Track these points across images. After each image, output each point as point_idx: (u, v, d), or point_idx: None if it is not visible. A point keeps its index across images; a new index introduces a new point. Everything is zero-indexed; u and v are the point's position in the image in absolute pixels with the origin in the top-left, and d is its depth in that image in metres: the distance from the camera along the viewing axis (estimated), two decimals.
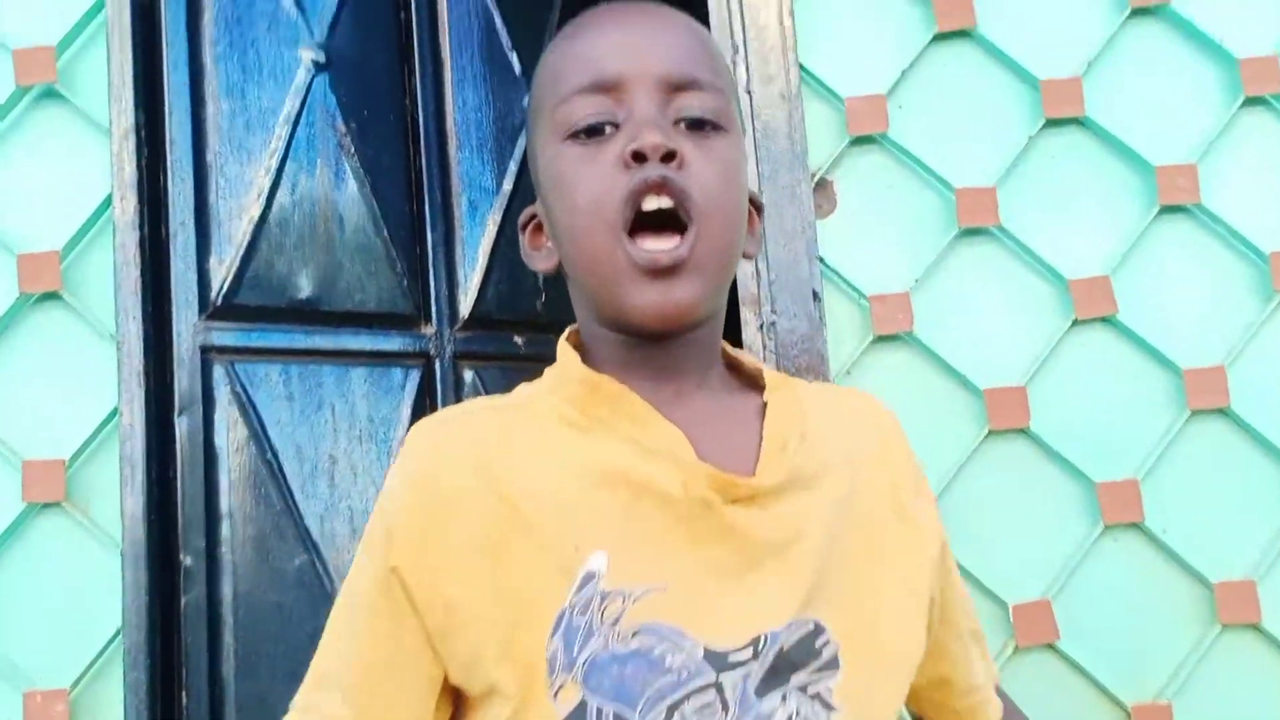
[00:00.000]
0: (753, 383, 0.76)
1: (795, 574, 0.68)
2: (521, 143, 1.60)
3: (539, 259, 0.77)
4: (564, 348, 0.75)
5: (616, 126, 0.69)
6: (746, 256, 0.76)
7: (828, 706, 0.67)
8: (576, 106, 0.70)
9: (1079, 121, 1.33)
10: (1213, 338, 1.31)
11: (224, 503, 1.30)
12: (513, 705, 0.66)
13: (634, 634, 0.64)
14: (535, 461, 0.69)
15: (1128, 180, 1.32)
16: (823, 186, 1.32)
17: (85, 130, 1.30)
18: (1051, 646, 1.25)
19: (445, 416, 0.77)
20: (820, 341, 1.29)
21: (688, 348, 0.73)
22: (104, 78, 1.29)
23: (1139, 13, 1.33)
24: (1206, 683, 1.25)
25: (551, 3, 1.66)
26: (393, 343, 1.46)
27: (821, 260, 1.30)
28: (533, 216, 0.77)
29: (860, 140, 1.32)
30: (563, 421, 0.70)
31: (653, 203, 0.67)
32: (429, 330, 1.49)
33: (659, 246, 0.67)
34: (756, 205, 0.77)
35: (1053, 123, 1.32)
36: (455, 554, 0.67)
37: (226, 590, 1.28)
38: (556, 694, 0.64)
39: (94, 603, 1.23)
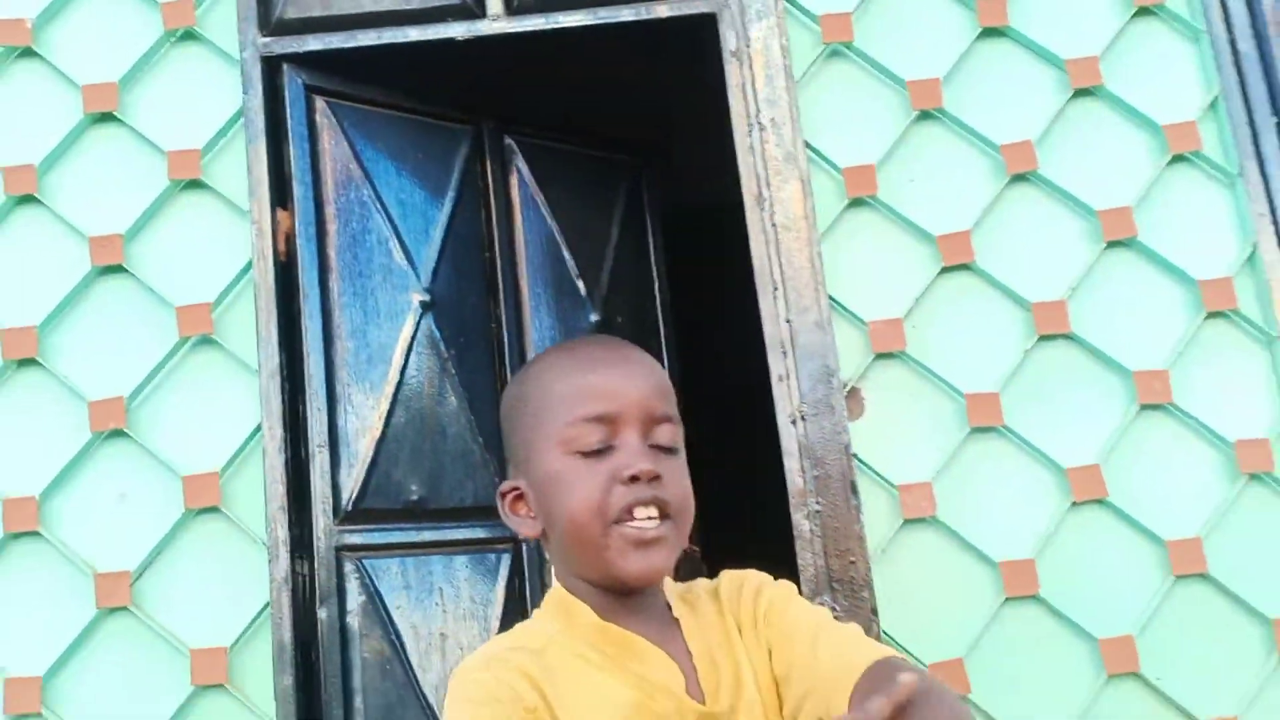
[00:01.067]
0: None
1: None
2: None
3: (524, 526, 0.94)
4: (566, 597, 0.93)
5: (611, 448, 0.90)
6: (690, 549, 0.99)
7: None
8: (585, 432, 0.90)
9: (1067, 337, 1.55)
10: (1189, 514, 1.51)
11: (357, 678, 1.47)
12: None
13: None
14: (567, 696, 0.87)
15: (1111, 383, 1.54)
16: (853, 394, 1.54)
17: (237, 370, 1.52)
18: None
19: (493, 655, 0.91)
20: (858, 525, 1.49)
21: (651, 593, 0.93)
22: (251, 327, 1.51)
23: (1114, 245, 1.57)
24: None
25: (609, 237, 1.89)
26: (487, 531, 1.64)
27: (856, 457, 1.52)
28: (513, 488, 0.94)
29: (883, 355, 1.54)
30: (581, 660, 0.89)
31: (643, 512, 0.88)
32: None
33: (647, 525, 0.88)
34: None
35: (1044, 338, 1.54)
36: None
37: None
38: None
39: None
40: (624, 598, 0.92)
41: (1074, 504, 1.50)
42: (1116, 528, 1.51)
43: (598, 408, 0.91)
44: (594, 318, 1.83)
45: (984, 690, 1.45)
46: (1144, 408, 1.53)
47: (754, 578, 0.99)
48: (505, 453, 0.99)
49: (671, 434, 0.92)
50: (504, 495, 0.96)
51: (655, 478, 0.89)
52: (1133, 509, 1.51)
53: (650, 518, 0.89)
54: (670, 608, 0.97)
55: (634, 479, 0.88)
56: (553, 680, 0.88)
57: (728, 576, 1.00)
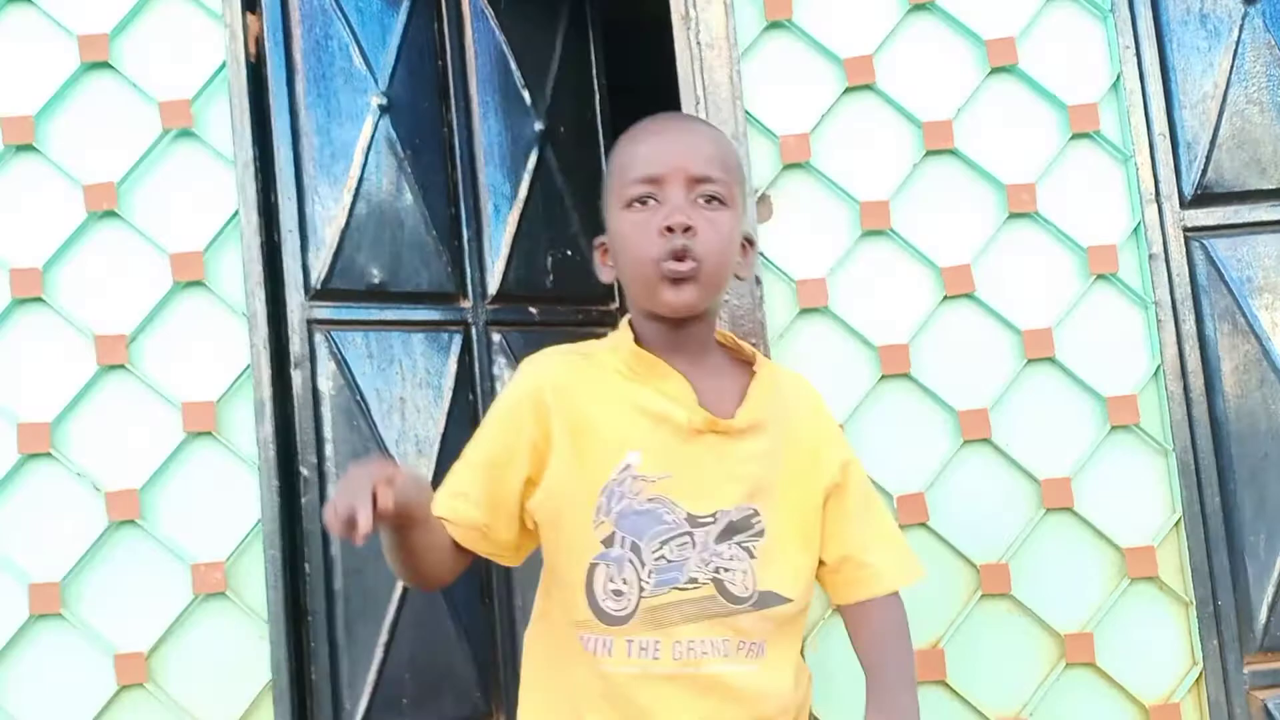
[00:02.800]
0: (746, 363, 1.21)
1: (744, 480, 1.14)
2: (533, 157, 1.99)
3: (605, 273, 1.20)
4: (624, 327, 1.18)
5: (658, 202, 1.12)
6: (739, 278, 1.21)
7: (750, 555, 1.14)
8: (634, 189, 1.13)
9: (951, 152, 1.74)
10: (1045, 307, 1.73)
11: (328, 431, 1.70)
12: (567, 531, 1.12)
13: (649, 500, 1.11)
14: (598, 394, 1.15)
15: (986, 195, 1.75)
16: (764, 200, 1.75)
17: (215, 161, 1.69)
18: (924, 525, 1.67)
19: (544, 357, 1.20)
20: (760, 313, 1.71)
21: (692, 330, 1.17)
22: (227, 122, 1.67)
23: (996, 71, 1.76)
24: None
25: (554, 50, 2.02)
26: (441, 314, 1.84)
27: (762, 254, 1.73)
28: (601, 244, 1.20)
29: (790, 166, 1.74)
30: (616, 373, 1.16)
31: (673, 266, 1.11)
32: (466, 304, 1.88)
33: (679, 267, 1.11)
34: (750, 241, 1.21)
35: (931, 153, 1.74)
36: (564, 420, 1.13)
37: (331, 493, 1.63)
38: (597, 527, 1.11)
39: (238, 503, 1.64)
40: (674, 333, 1.15)
41: (946, 297, 1.73)
42: (981, 318, 1.73)
43: (644, 170, 1.13)
44: (538, 125, 1.98)
45: (860, 452, 1.67)
46: (1012, 215, 1.74)
47: (839, 432, 1.25)
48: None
49: (716, 190, 1.14)
50: (596, 248, 1.22)
51: (687, 229, 1.11)
52: (996, 302, 1.73)
53: (680, 264, 1.11)
54: (750, 367, 1.20)
55: (669, 230, 1.10)
56: (581, 382, 1.15)
57: (819, 397, 1.26)
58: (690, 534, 1.12)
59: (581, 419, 1.14)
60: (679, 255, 1.11)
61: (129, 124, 1.68)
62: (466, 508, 1.13)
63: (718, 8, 1.72)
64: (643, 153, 1.15)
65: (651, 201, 1.13)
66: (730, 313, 1.72)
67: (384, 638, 1.73)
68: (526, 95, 1.98)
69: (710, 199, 1.14)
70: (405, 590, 1.72)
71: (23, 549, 1.62)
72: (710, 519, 1.13)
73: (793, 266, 1.73)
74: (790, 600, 1.15)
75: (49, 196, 1.68)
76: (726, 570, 1.13)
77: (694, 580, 1.11)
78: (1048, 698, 1.67)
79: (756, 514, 1.15)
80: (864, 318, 1.73)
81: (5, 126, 1.68)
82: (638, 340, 1.18)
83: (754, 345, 1.69)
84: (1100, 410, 1.72)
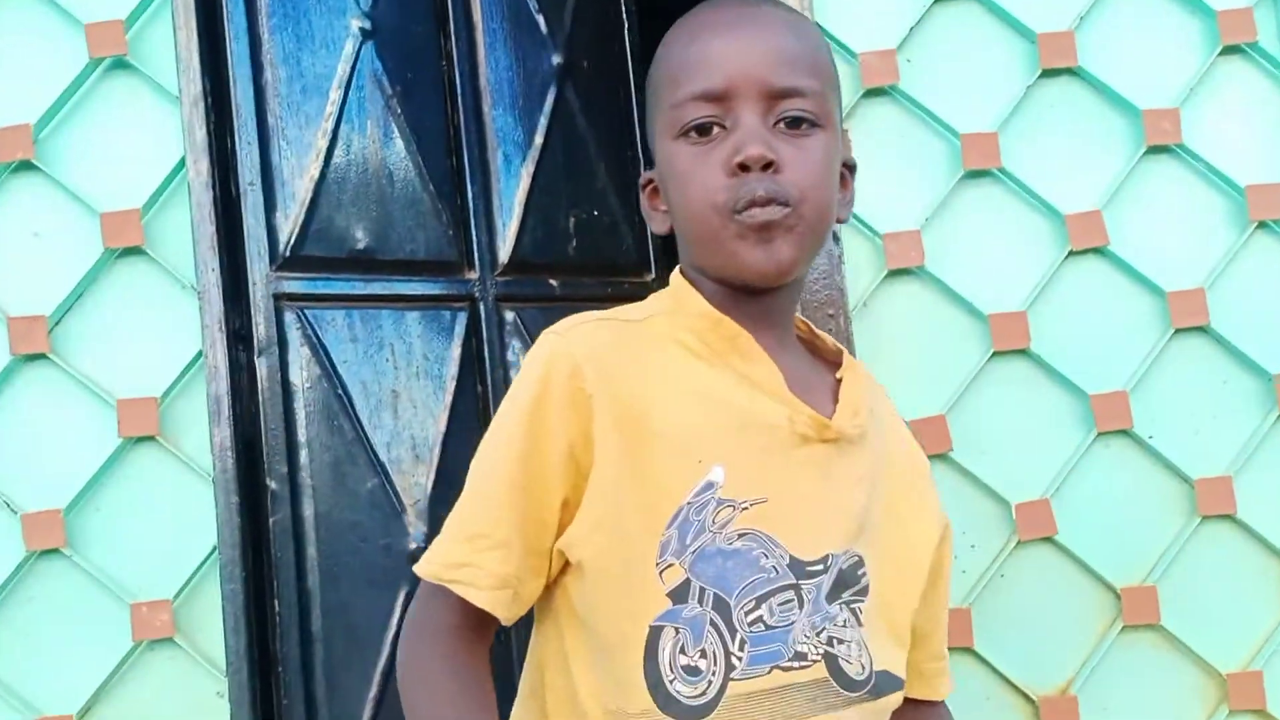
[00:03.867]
0: (827, 358, 0.91)
1: (853, 510, 0.83)
2: (550, 97, 1.73)
3: (657, 220, 0.89)
4: (683, 283, 0.87)
5: (724, 128, 0.81)
6: (839, 221, 0.89)
7: (858, 621, 0.82)
8: (689, 110, 0.82)
9: (1072, 71, 1.46)
10: (1194, 264, 1.46)
11: (302, 433, 1.44)
12: (616, 577, 0.79)
13: (739, 535, 0.79)
14: (658, 378, 0.82)
15: (1117, 124, 1.46)
16: (841, 134, 1.45)
17: (156, 98, 1.42)
18: (1050, 539, 1.41)
19: (576, 324, 0.87)
20: (839, 276, 1.43)
21: (776, 302, 0.86)
22: (171, 49, 1.40)
23: None
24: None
25: None
26: (441, 288, 1.59)
27: None
28: (649, 181, 0.90)
29: (873, 92, 1.46)
30: (681, 346, 0.83)
31: (757, 214, 0.79)
32: (472, 275, 1.63)
33: (767, 214, 0.79)
34: (850, 167, 0.89)
35: (1048, 73, 1.46)
36: (611, 413, 0.79)
37: (308, 510, 1.43)
38: (662, 572, 0.78)
39: (189, 525, 1.37)
40: (753, 304, 0.85)
41: (1072, 252, 1.44)
42: (1116, 278, 1.45)
43: (702, 83, 0.82)
44: (556, 59, 1.74)
45: (964, 448, 1.42)
46: (1150, 149, 1.45)
47: (932, 477, 0.97)
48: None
49: (804, 107, 0.81)
50: (643, 188, 0.91)
51: (768, 164, 0.79)
52: (1134, 258, 1.45)
53: (767, 209, 0.79)
54: (834, 363, 0.90)
55: (743, 168, 0.80)
56: (630, 360, 0.82)
57: (915, 443, 0.97)
58: (796, 587, 0.80)
59: (638, 414, 0.80)
60: (761, 202, 0.79)
61: (49, 53, 1.42)
62: (493, 557, 0.80)
63: None
64: (699, 56, 0.84)
65: (716, 129, 0.82)
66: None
67: (374, 691, 1.48)
68: (542, 22, 1.72)
69: (798, 121, 0.82)
70: (400, 631, 1.42)
71: None
72: (820, 566, 0.81)
73: (878, 218, 1.45)
74: (902, 684, 0.86)
75: None
76: (840, 642, 0.81)
77: (801, 656, 0.79)
78: None
79: (861, 562, 0.84)
80: (969, 280, 1.45)
81: None
82: None
83: (831, 317, 1.43)
84: (1266, 392, 1.46)
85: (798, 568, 0.80)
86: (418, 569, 0.84)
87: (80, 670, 1.36)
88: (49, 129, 1.42)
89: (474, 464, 0.84)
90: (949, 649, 0.97)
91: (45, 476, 1.38)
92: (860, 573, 0.83)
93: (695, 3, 0.89)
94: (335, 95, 1.51)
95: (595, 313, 0.88)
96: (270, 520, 1.42)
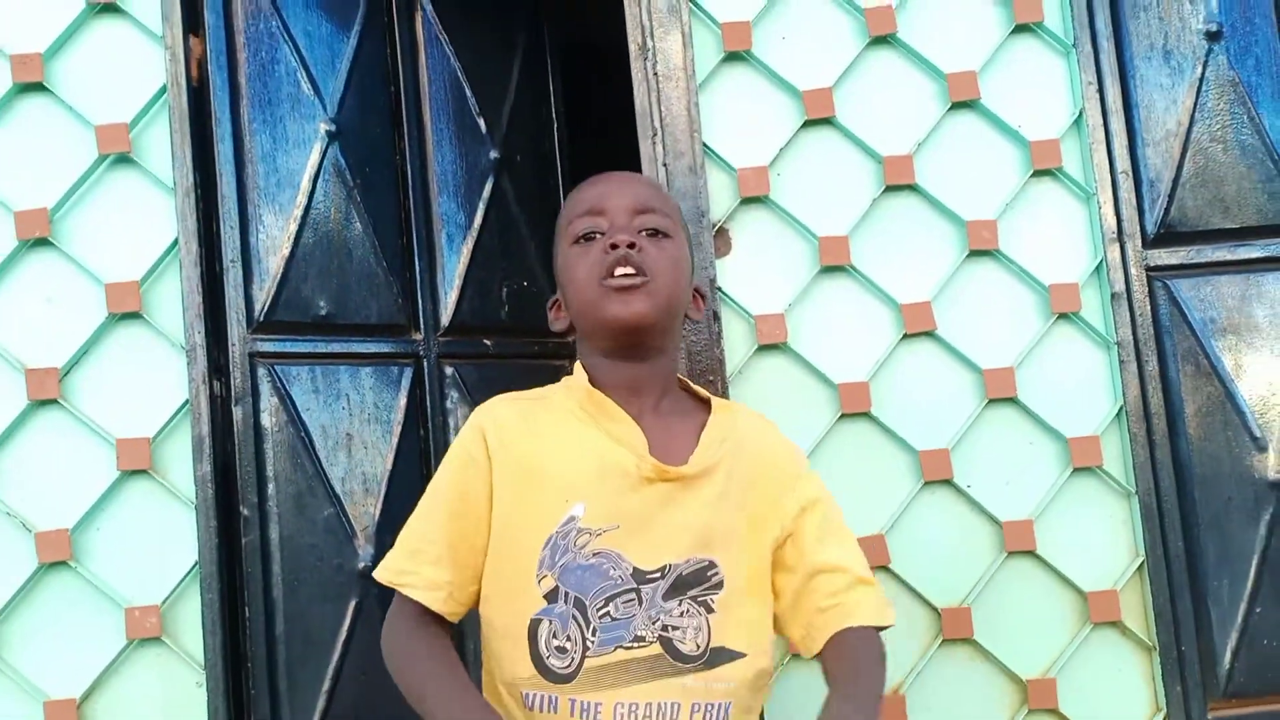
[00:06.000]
0: (704, 405, 1.19)
1: (694, 529, 1.10)
2: (488, 186, 1.93)
3: (558, 324, 1.19)
4: (578, 369, 1.17)
5: (601, 234, 1.13)
6: (693, 319, 1.21)
7: (709, 610, 1.09)
8: (579, 224, 1.15)
9: (912, 187, 1.71)
10: (1006, 346, 1.69)
11: (270, 469, 1.63)
12: (508, 582, 1.08)
13: (594, 554, 1.08)
14: (546, 437, 1.12)
15: (946, 231, 1.71)
16: (721, 234, 1.70)
17: (154, 189, 1.62)
18: (885, 568, 1.61)
19: (493, 403, 1.18)
20: (718, 349, 1.67)
21: (648, 370, 1.15)
22: (168, 148, 1.61)
23: (958, 105, 1.73)
24: None
25: (510, 77, 1.97)
26: (391, 347, 1.78)
27: (720, 289, 1.69)
28: (554, 300, 1.20)
29: (749, 200, 1.69)
30: (567, 412, 1.13)
31: (620, 271, 1.10)
32: (418, 336, 1.82)
33: (625, 280, 1.10)
34: (701, 294, 1.22)
35: (891, 188, 1.70)
36: (506, 468, 1.10)
37: (274, 534, 1.62)
38: (540, 580, 1.07)
39: (174, 544, 1.57)
40: (630, 370, 1.13)
41: (906, 335, 1.68)
42: (941, 357, 1.70)
43: (589, 205, 1.15)
44: (494, 154, 1.93)
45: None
46: (973, 253, 1.71)
47: (804, 476, 1.19)
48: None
49: (657, 222, 1.14)
50: (550, 308, 1.21)
51: (631, 245, 1.11)
52: (956, 341, 1.69)
53: (628, 274, 1.10)
54: (706, 405, 1.19)
55: (614, 246, 1.10)
56: (530, 426, 1.12)
57: (796, 455, 1.23)
58: (637, 590, 1.08)
59: (528, 465, 1.10)
60: (624, 263, 1.10)
61: (64, 148, 1.62)
62: (429, 568, 1.09)
63: (675, 39, 1.68)
64: (586, 195, 1.18)
65: (596, 236, 1.13)
66: (688, 348, 1.68)
67: (328, 684, 1.66)
68: (482, 123, 1.93)
69: (654, 232, 1.14)
70: (351, 634, 1.66)
71: None
72: (658, 574, 1.09)
73: (751, 302, 1.69)
74: (743, 655, 1.10)
75: None
76: (675, 628, 1.08)
77: (640, 639, 1.07)
78: None
79: (713, 565, 1.10)
80: (823, 355, 1.69)
81: None
82: (593, 382, 1.14)
83: (711, 383, 1.69)
84: (1062, 452, 1.69)
85: (639, 575, 1.08)
86: (376, 574, 1.12)
87: (81, 664, 1.54)
88: (62, 212, 1.61)
89: (421, 501, 1.14)
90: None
91: (55, 501, 1.56)
92: (710, 574, 1.09)
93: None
94: (305, 186, 1.70)
95: (513, 394, 1.20)
96: (243, 541, 1.61)
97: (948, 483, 1.67)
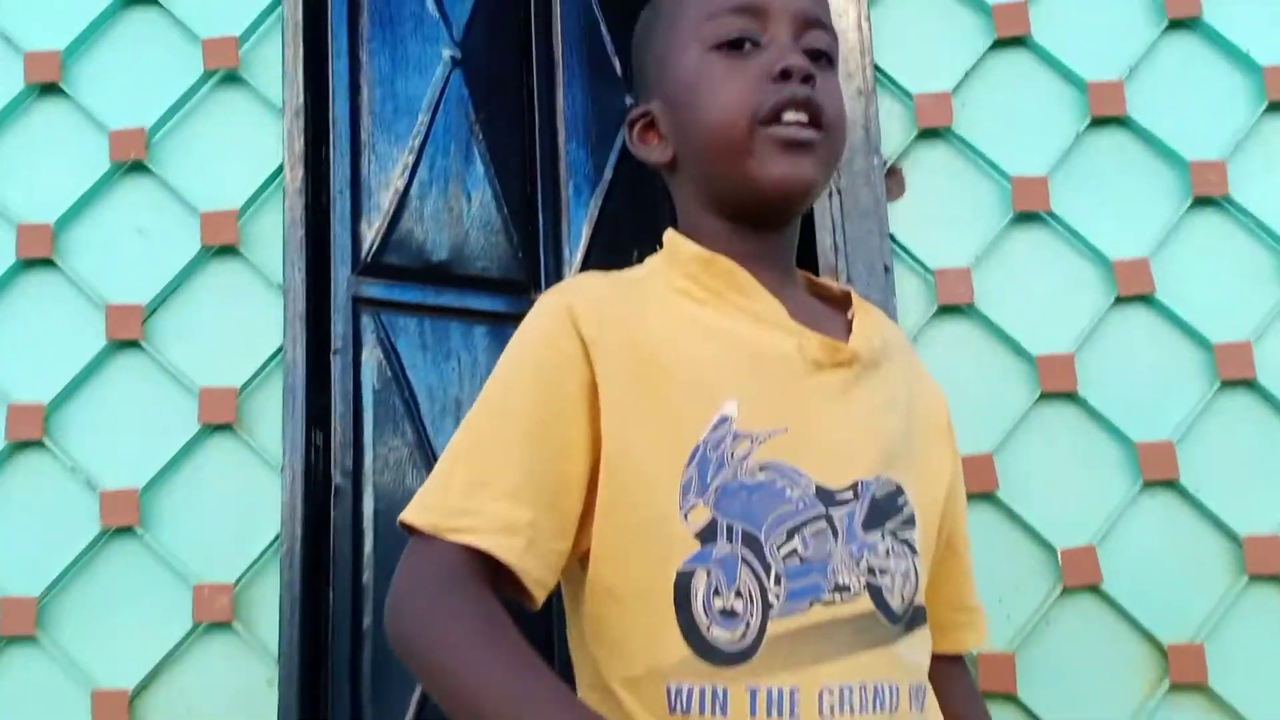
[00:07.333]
0: (839, 303, 0.90)
1: (881, 436, 0.80)
2: (621, 134, 1.73)
3: (654, 151, 0.86)
4: (674, 235, 0.86)
5: (758, 45, 0.81)
6: None
7: (913, 550, 0.80)
8: (726, 23, 0.81)
9: (1121, 121, 1.47)
10: (1240, 316, 1.42)
11: (368, 432, 1.44)
12: (636, 524, 0.74)
13: (761, 468, 0.75)
14: (661, 322, 0.79)
15: (1164, 174, 1.46)
16: (893, 173, 1.48)
17: (261, 109, 1.48)
18: (1095, 588, 1.34)
19: (576, 281, 0.88)
20: (890, 310, 1.42)
21: (777, 239, 0.85)
22: (278, 65, 1.47)
23: (1175, 25, 1.48)
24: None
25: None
26: (507, 305, 1.60)
27: (892, 238, 1.45)
28: (643, 114, 0.87)
29: (927, 133, 1.47)
30: (679, 293, 0.81)
31: (793, 115, 0.80)
32: (537, 296, 1.64)
33: (799, 129, 0.79)
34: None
35: (1098, 121, 1.46)
36: (615, 360, 0.76)
37: (368, 508, 1.42)
38: (687, 514, 0.73)
39: (256, 513, 1.37)
40: (755, 241, 0.83)
41: (1119, 298, 1.42)
42: (1162, 326, 1.43)
43: None
44: (629, 100, 1.76)
45: (1011, 491, 1.38)
46: (1197, 201, 1.44)
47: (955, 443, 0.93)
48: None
49: (828, 43, 0.84)
50: (632, 125, 0.88)
51: (809, 77, 0.80)
52: (1180, 307, 1.42)
53: (802, 122, 0.79)
54: (843, 301, 0.88)
55: (785, 75, 0.79)
56: (634, 307, 0.79)
57: (943, 396, 0.95)
58: (826, 516, 0.75)
59: (643, 357, 0.76)
60: (800, 103, 0.79)
61: (168, 63, 1.48)
62: (492, 502, 0.72)
63: None
64: None
65: (748, 45, 0.81)
66: None
67: (417, 694, 1.42)
68: (617, 64, 1.75)
69: (821, 55, 0.84)
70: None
71: None
72: (849, 494, 0.77)
73: (929, 255, 1.45)
74: (926, 616, 0.82)
75: (71, 143, 1.48)
76: (883, 572, 0.77)
77: (844, 588, 0.74)
78: None
79: (901, 492, 0.80)
80: (1018, 320, 1.43)
81: (28, 63, 1.49)
82: None
83: None
84: None
85: (826, 496, 0.75)
86: (405, 516, 0.74)
87: (139, 649, 1.34)
88: (161, 134, 1.48)
89: (471, 416, 0.77)
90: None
91: (127, 457, 1.39)
92: (900, 501, 0.79)
93: None
94: (424, 117, 1.55)
95: (592, 276, 0.88)
96: (333, 514, 1.41)
97: (1173, 484, 1.38)
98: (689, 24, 0.84)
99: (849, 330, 0.85)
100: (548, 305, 0.80)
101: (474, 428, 0.77)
